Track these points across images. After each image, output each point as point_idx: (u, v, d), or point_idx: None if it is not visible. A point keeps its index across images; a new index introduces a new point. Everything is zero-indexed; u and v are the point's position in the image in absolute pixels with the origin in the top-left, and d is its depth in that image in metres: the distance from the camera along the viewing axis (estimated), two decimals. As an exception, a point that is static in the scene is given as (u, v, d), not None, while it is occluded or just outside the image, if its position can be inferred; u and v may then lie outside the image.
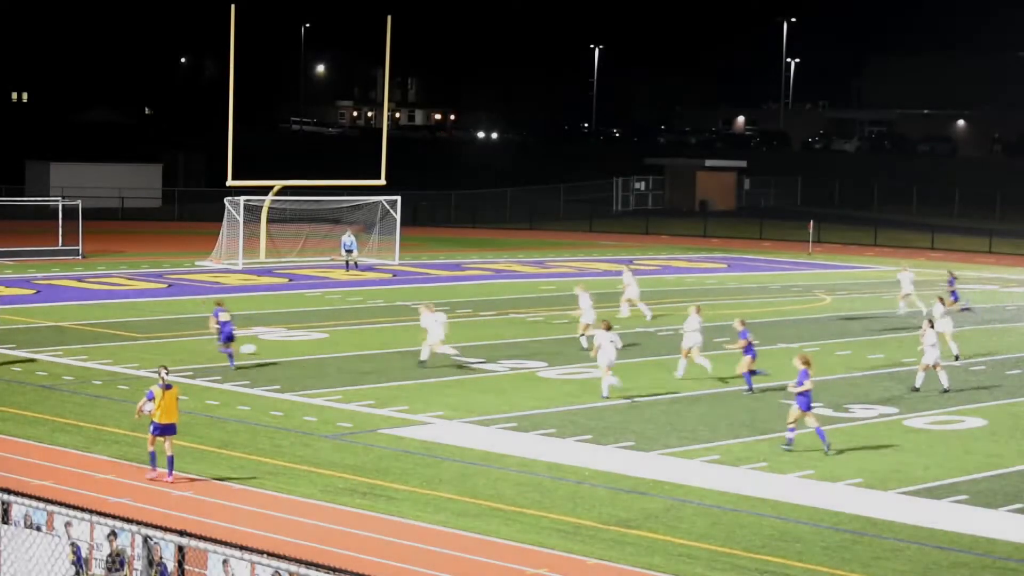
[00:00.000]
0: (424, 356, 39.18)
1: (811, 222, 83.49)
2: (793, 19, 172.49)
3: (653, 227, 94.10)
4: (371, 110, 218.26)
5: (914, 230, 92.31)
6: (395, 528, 23.92)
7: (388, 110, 77.80)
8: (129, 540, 13.84)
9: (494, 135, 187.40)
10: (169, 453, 26.20)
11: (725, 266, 72.74)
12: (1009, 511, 25.96)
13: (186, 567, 13.51)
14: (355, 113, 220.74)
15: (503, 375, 38.54)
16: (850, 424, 33.28)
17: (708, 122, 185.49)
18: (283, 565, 12.78)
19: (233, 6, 65.01)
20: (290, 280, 60.74)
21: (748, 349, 36.71)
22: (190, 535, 13.49)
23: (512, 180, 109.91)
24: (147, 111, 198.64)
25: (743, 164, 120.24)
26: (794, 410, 30.14)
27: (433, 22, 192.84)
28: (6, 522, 14.74)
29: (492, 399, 35.05)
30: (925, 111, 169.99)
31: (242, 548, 13.10)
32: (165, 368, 26.94)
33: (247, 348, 38.33)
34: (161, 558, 13.62)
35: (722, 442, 30.77)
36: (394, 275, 63.66)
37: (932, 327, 37.76)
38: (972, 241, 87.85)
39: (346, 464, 28.05)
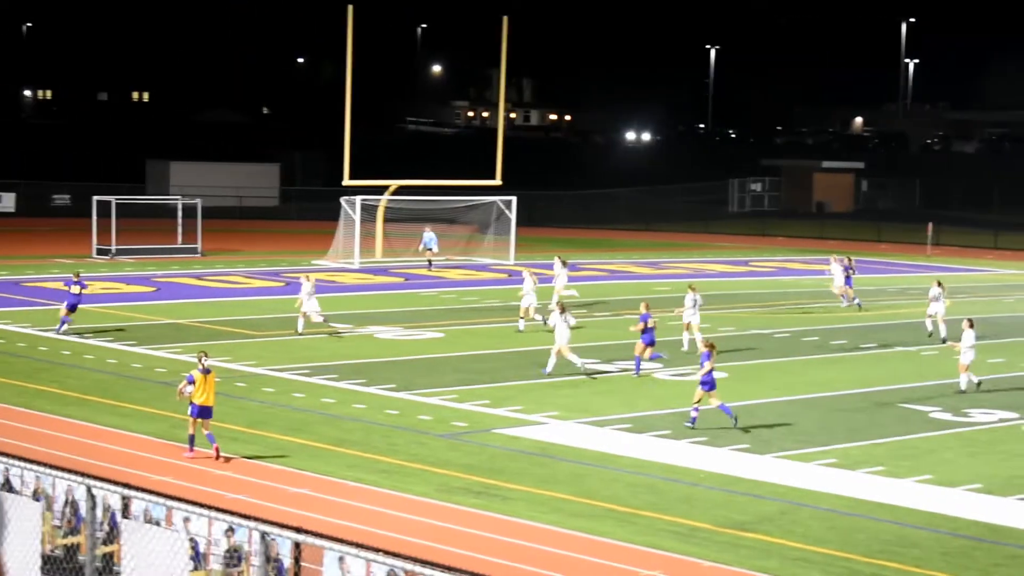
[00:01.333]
0: None
1: (930, 224, 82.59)
2: (912, 19, 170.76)
3: (769, 228, 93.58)
4: (487, 110, 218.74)
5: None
6: (509, 528, 23.94)
7: (504, 110, 77.87)
8: (246, 536, 13.94)
9: (610, 136, 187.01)
10: (207, 431, 27.70)
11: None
12: None
13: (302, 564, 13.59)
14: (471, 113, 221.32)
15: (617, 376, 38.46)
16: (969, 429, 32.86)
17: (825, 123, 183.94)
18: (398, 563, 12.82)
19: (350, 7, 65.43)
20: (406, 279, 61.01)
21: (647, 334, 38.07)
22: (307, 532, 13.56)
23: (627, 181, 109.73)
24: (265, 111, 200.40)
25: (860, 165, 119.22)
26: (698, 391, 31.54)
27: (549, 22, 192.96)
28: (126, 517, 14.91)
29: (606, 400, 34.99)
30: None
31: (358, 546, 13.15)
32: (205, 354, 28.33)
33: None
34: (278, 554, 13.71)
35: (839, 445, 30.50)
36: (509, 275, 63.73)
37: (971, 327, 37.26)
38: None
39: (461, 463, 28.11)
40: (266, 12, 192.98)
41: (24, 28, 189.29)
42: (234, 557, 14.09)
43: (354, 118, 67.06)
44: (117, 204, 66.21)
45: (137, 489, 15.11)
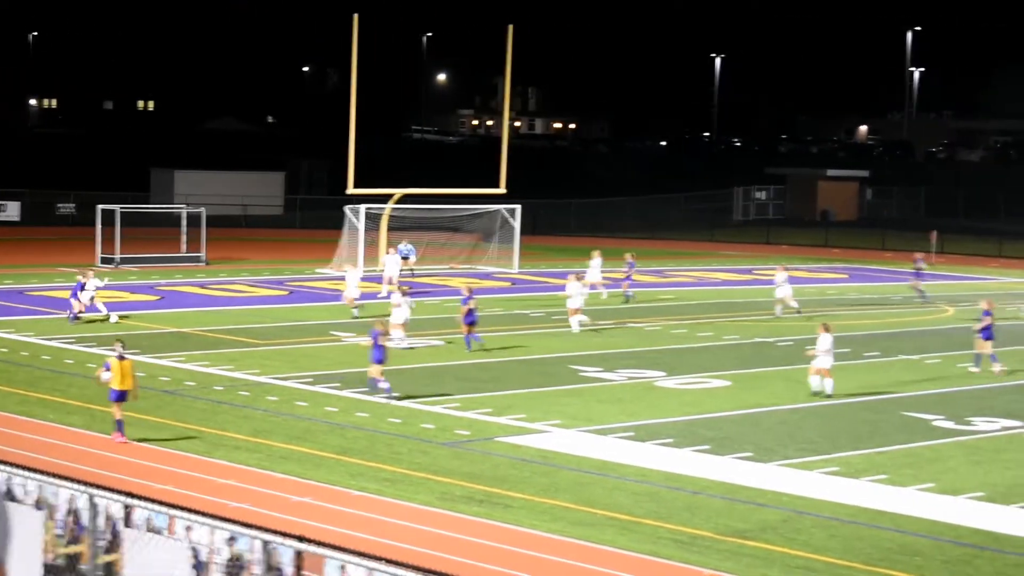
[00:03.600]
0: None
1: (934, 233, 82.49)
2: (918, 28, 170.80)
3: (774, 236, 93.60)
4: (491, 119, 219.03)
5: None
6: (511, 536, 23.98)
7: (508, 119, 77.89)
8: (248, 545, 14.00)
9: (615, 144, 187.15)
10: (118, 417, 29.68)
11: (846, 276, 72.13)
12: None
13: (304, 572, 13.64)
14: (475, 122, 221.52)
15: (620, 384, 38.50)
16: (973, 437, 32.89)
17: (830, 131, 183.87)
18: (400, 572, 12.86)
19: (356, 16, 65.50)
20: (409, 288, 60.94)
21: (469, 316, 42.82)
22: (308, 541, 13.62)
23: (632, 189, 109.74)
24: (270, 120, 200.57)
25: (865, 174, 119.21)
26: (373, 367, 35.18)
27: (554, 32, 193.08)
28: (128, 525, 14.97)
29: (609, 409, 35.03)
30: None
31: (360, 554, 13.20)
32: (121, 343, 30.23)
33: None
34: (279, 563, 13.76)
35: (841, 454, 30.53)
36: (513, 283, 63.77)
37: (827, 331, 37.37)
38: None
39: (463, 472, 28.15)
40: (271, 21, 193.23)
41: (30, 37, 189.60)
42: (236, 566, 14.14)
43: (359, 127, 67.01)
44: (122, 213, 66.21)
45: (139, 498, 15.17)
